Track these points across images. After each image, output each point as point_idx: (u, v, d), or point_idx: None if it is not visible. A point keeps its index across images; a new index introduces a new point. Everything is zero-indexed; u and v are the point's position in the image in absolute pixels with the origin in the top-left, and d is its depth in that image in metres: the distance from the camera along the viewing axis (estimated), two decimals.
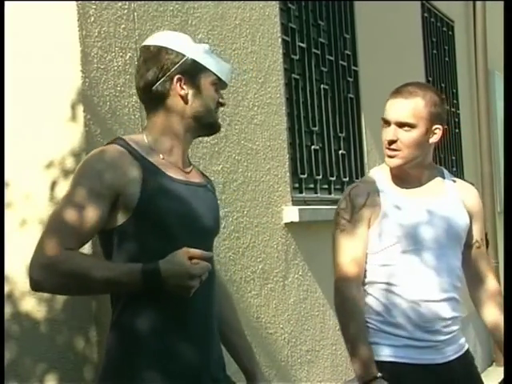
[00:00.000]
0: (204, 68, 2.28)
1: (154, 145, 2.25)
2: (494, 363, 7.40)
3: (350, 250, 2.63)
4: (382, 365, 2.58)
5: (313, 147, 4.57)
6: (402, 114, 2.60)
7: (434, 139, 2.67)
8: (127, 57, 2.87)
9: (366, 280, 2.66)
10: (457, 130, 7.29)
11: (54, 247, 2.07)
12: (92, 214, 2.11)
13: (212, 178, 3.41)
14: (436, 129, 2.65)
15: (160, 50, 2.26)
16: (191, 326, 2.20)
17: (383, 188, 2.68)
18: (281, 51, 4.14)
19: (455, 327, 2.73)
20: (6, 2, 2.66)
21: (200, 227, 2.25)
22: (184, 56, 2.25)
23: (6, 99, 2.66)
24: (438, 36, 6.98)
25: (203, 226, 2.27)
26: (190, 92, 2.26)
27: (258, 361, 2.55)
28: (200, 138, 3.34)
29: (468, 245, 2.77)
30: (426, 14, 6.68)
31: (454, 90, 7.30)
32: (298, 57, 4.47)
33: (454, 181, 2.81)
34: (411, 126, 2.60)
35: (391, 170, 2.70)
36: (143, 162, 2.19)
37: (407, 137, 2.61)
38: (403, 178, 2.70)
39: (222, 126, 3.51)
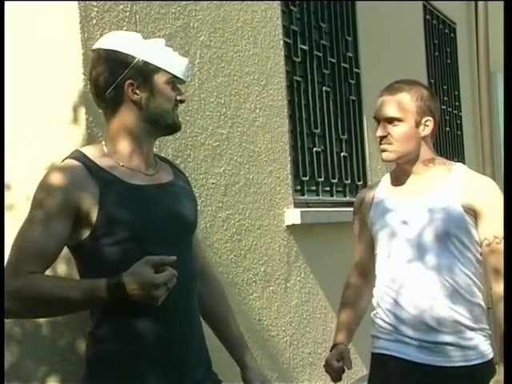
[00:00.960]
0: (157, 68, 2.19)
1: (113, 153, 2.19)
2: (496, 365, 7.39)
3: (356, 242, 2.87)
4: (378, 357, 2.73)
5: (315, 149, 4.57)
6: (389, 110, 2.65)
7: (425, 132, 2.67)
8: None
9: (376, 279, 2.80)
10: (459, 132, 7.28)
11: (16, 274, 2.05)
12: (52, 235, 2.08)
13: (214, 181, 3.42)
14: (427, 121, 2.66)
15: (109, 54, 2.17)
16: (170, 329, 2.18)
17: (379, 191, 2.79)
18: (283, 53, 4.14)
19: (462, 332, 2.66)
20: (6, 4, 2.66)
21: (171, 228, 2.20)
22: (134, 58, 2.16)
23: (7, 101, 2.66)
24: (440, 38, 6.98)
25: (174, 225, 2.22)
26: (144, 96, 2.18)
27: (250, 350, 2.51)
28: (202, 141, 3.34)
29: (480, 243, 2.67)
30: (428, 16, 6.68)
31: (456, 92, 7.30)
32: (299, 59, 4.47)
33: (463, 176, 2.70)
34: (399, 119, 2.64)
35: (392, 171, 2.78)
36: (100, 175, 2.13)
37: (396, 131, 2.65)
38: (401, 176, 2.73)
39: (224, 128, 3.53)
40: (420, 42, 6.46)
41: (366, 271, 2.84)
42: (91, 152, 2.19)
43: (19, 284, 2.04)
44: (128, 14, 2.90)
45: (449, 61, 7.18)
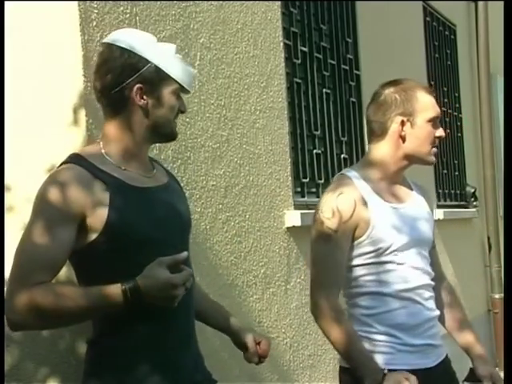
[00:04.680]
0: (167, 76, 2.16)
1: (113, 156, 2.16)
2: (497, 368, 7.39)
3: (333, 262, 2.55)
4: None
5: (315, 151, 4.57)
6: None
7: None
8: None
9: (353, 291, 2.63)
10: (459, 134, 7.28)
11: (23, 285, 1.99)
12: (60, 242, 2.02)
13: (214, 183, 3.42)
14: None
15: (122, 52, 2.13)
16: (171, 333, 2.17)
17: (368, 197, 2.60)
18: (283, 55, 4.14)
19: (438, 329, 2.71)
20: (6, 6, 2.66)
21: (174, 228, 2.19)
22: (147, 63, 2.13)
23: (7, 103, 2.66)
24: (440, 40, 6.98)
25: (177, 226, 2.22)
26: (150, 102, 2.15)
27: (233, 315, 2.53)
28: (202, 143, 3.34)
29: (432, 245, 2.82)
30: (428, 18, 6.68)
31: (456, 94, 7.30)
32: (299, 61, 4.47)
33: (413, 181, 2.83)
34: None
35: (374, 172, 2.66)
36: (105, 178, 2.10)
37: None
38: (386, 182, 2.68)
39: (224, 130, 3.53)
40: (420, 43, 6.46)
41: (341, 286, 2.61)
42: (90, 155, 2.16)
43: (28, 295, 1.98)
44: (128, 15, 2.90)
45: (449, 62, 7.18)
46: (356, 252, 2.58)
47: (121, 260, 2.09)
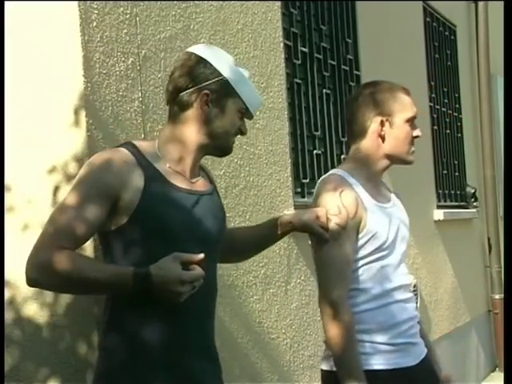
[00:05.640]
0: (235, 93, 2.27)
1: (163, 153, 2.26)
2: (497, 368, 7.40)
3: (344, 259, 2.55)
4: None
5: (315, 152, 4.57)
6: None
7: None
8: (129, 62, 2.87)
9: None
10: (459, 135, 7.28)
11: (49, 247, 2.10)
12: (88, 216, 2.12)
13: None
14: None
15: (199, 61, 2.26)
16: (187, 340, 2.20)
17: (363, 197, 2.62)
18: (283, 56, 4.14)
19: (417, 328, 2.72)
20: (6, 7, 2.66)
21: (200, 236, 2.25)
22: (220, 75, 2.25)
23: (7, 103, 2.66)
24: (440, 40, 6.98)
25: (203, 234, 2.27)
26: (214, 111, 2.26)
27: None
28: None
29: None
30: (428, 19, 6.69)
31: (456, 95, 7.30)
32: (300, 61, 4.47)
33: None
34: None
35: (360, 172, 2.66)
36: (147, 169, 2.19)
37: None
38: (374, 182, 2.70)
39: None
40: (420, 44, 6.46)
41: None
42: (143, 147, 2.25)
43: (50, 256, 2.08)
44: (128, 16, 2.90)
45: (449, 63, 7.18)
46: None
47: (143, 249, 2.17)
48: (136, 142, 2.29)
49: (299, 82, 4.45)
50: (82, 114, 2.63)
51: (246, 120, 2.38)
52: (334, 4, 4.92)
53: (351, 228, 2.55)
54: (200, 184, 2.34)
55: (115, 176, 2.15)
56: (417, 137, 2.70)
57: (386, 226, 2.62)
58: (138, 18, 2.96)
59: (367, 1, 5.26)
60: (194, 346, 2.22)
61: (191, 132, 2.26)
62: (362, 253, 2.59)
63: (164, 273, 2.04)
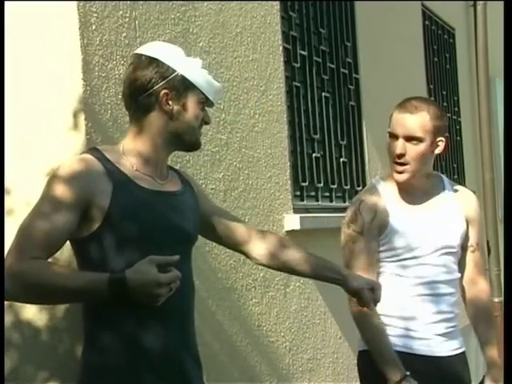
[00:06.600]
0: (192, 86, 2.26)
1: (130, 156, 2.24)
2: None
3: (364, 261, 2.72)
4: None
5: (314, 155, 4.57)
6: (411, 129, 2.68)
7: (437, 151, 2.76)
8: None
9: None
10: (458, 138, 7.29)
11: (18, 257, 2.07)
12: (58, 224, 2.10)
13: (213, 186, 3.42)
14: (439, 141, 2.74)
15: (151, 62, 2.24)
16: (167, 340, 2.19)
17: (389, 203, 2.75)
18: (282, 59, 4.14)
19: (454, 323, 2.86)
20: (6, 11, 2.66)
21: (172, 236, 2.24)
22: (174, 71, 2.23)
23: (7, 107, 2.67)
24: (438, 43, 6.99)
25: (176, 234, 2.26)
26: (175, 108, 2.24)
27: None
28: (201, 146, 3.34)
29: (464, 248, 2.88)
30: (427, 22, 6.69)
31: (455, 98, 7.30)
32: (299, 65, 4.47)
33: (454, 188, 2.90)
34: (419, 139, 2.69)
35: (395, 184, 2.78)
36: (114, 174, 2.18)
37: (415, 150, 2.69)
38: (407, 189, 2.77)
39: (224, 133, 3.53)
40: (419, 47, 6.47)
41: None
42: (109, 151, 2.24)
43: (22, 267, 2.05)
44: (127, 19, 2.91)
45: (448, 66, 7.19)
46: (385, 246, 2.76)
47: (116, 254, 2.15)
48: (102, 148, 2.27)
49: (298, 85, 4.45)
50: (82, 117, 2.63)
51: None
52: (333, 7, 4.93)
53: (369, 233, 2.73)
54: (169, 184, 2.32)
55: (83, 184, 2.14)
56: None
57: (413, 226, 2.73)
58: (137, 22, 2.97)
59: (367, 1, 5.27)
60: (175, 346, 2.21)
61: (157, 133, 2.25)
62: (386, 258, 2.76)
63: (140, 276, 2.03)
